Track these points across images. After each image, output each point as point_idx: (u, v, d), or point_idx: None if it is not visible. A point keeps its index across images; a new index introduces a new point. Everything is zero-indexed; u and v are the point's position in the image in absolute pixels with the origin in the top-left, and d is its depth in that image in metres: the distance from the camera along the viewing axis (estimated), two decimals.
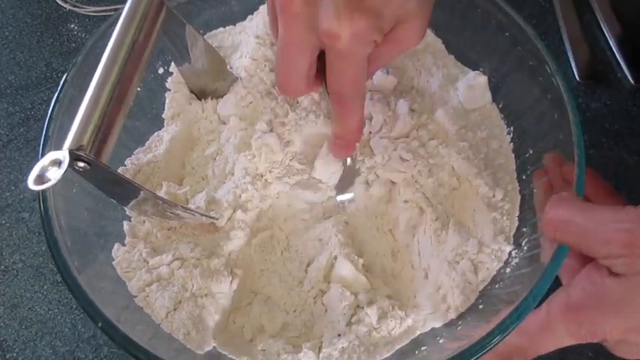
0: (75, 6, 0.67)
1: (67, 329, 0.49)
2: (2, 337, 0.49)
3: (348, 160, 0.45)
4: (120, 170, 0.45)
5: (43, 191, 0.37)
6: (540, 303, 0.35)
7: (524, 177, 0.44)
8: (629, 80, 0.58)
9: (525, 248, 0.40)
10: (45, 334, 0.49)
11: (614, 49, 0.59)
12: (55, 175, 0.31)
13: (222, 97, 0.49)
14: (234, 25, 0.53)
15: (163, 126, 0.49)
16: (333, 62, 0.35)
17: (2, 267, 0.52)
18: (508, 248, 0.41)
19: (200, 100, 0.49)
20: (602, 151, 0.54)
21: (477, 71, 0.49)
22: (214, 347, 0.40)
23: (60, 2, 0.67)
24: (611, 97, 0.57)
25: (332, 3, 0.32)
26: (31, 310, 0.50)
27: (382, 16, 0.33)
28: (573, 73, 0.58)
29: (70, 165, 0.32)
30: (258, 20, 0.50)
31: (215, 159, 0.47)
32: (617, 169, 0.54)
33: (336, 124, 0.40)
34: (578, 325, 0.34)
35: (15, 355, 0.48)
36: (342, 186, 0.45)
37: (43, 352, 0.48)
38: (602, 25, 0.61)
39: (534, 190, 0.42)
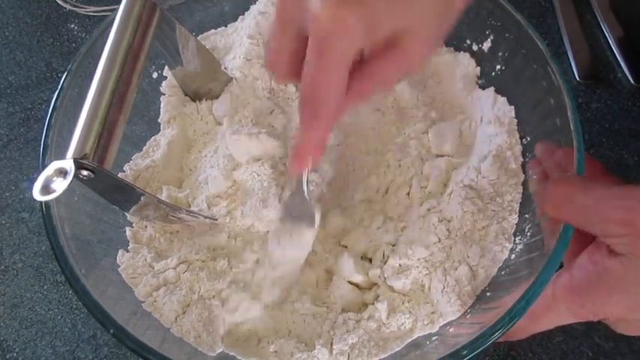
0: (75, 6, 0.67)
1: (67, 329, 0.49)
2: (2, 337, 0.49)
3: (303, 182, 0.39)
4: (119, 176, 0.45)
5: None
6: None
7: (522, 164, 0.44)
8: (629, 80, 0.58)
9: (529, 234, 0.40)
10: (45, 334, 0.49)
11: (614, 49, 0.59)
12: (60, 185, 0.31)
13: (216, 97, 0.49)
14: (226, 26, 0.53)
15: (160, 130, 0.49)
16: (310, 51, 0.30)
17: (2, 267, 0.52)
18: (509, 246, 0.41)
19: (194, 101, 0.49)
20: (602, 151, 0.54)
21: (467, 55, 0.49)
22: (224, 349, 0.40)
23: (60, 2, 0.67)
24: (611, 97, 0.57)
25: None
26: (31, 310, 0.50)
27: (377, 15, 0.28)
28: (573, 73, 0.58)
29: (75, 174, 0.32)
30: (250, 20, 0.50)
31: (212, 159, 0.47)
32: (617, 169, 0.53)
33: (299, 131, 0.35)
34: (580, 306, 0.34)
35: (15, 355, 0.48)
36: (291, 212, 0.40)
37: (43, 352, 0.48)
38: (602, 25, 0.61)
39: (533, 177, 0.42)
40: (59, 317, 0.50)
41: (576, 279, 0.34)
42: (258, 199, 0.43)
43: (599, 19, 0.62)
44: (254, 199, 0.43)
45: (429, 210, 0.43)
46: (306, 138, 0.33)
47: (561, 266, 0.35)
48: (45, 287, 0.51)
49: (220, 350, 0.39)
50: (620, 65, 0.59)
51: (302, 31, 0.31)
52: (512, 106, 0.46)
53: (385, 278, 0.41)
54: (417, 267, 0.40)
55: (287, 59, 0.33)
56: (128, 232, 0.43)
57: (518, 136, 0.45)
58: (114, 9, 0.39)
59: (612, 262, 0.32)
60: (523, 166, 0.44)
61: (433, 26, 0.31)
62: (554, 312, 0.35)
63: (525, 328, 0.37)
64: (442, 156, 0.46)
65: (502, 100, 0.46)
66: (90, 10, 0.66)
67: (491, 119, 0.46)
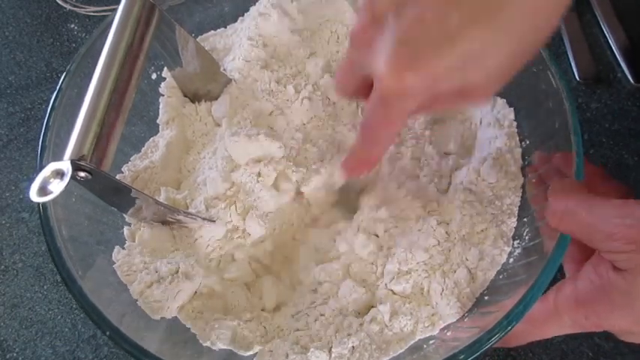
0: (75, 6, 0.67)
1: (67, 329, 0.49)
2: (2, 337, 0.49)
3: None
4: (117, 177, 0.45)
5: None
6: (544, 290, 0.35)
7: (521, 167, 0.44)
8: (629, 80, 0.58)
9: (527, 238, 0.40)
10: (45, 334, 0.49)
11: (614, 49, 0.59)
12: (57, 187, 0.31)
13: (215, 98, 0.48)
14: (226, 27, 0.53)
15: (158, 131, 0.49)
16: (372, 97, 0.32)
17: (2, 267, 0.52)
18: (507, 249, 0.41)
19: (194, 103, 0.49)
20: (602, 151, 0.54)
21: None
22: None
23: (60, 2, 0.67)
24: (611, 97, 0.57)
25: (388, 47, 0.28)
26: (31, 310, 0.50)
27: (438, 82, 0.29)
28: (573, 73, 0.58)
29: (72, 175, 0.32)
30: (250, 22, 0.50)
31: (210, 160, 0.47)
32: (617, 169, 0.53)
33: (354, 146, 0.39)
34: (584, 318, 0.34)
35: (15, 355, 0.48)
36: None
37: (43, 352, 0.48)
38: (602, 25, 0.61)
39: (532, 180, 0.42)
40: (59, 317, 0.50)
41: (580, 290, 0.34)
42: (263, 212, 0.43)
43: (599, 19, 0.61)
44: (260, 212, 0.43)
45: (428, 212, 0.43)
46: (360, 155, 0.37)
47: (560, 271, 0.35)
48: (45, 287, 0.51)
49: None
50: (620, 65, 0.59)
51: (368, 74, 0.32)
52: (512, 108, 0.46)
53: (386, 283, 0.41)
54: (417, 270, 0.40)
55: (352, 89, 0.36)
56: (126, 231, 0.43)
57: (517, 138, 0.45)
58: (114, 9, 0.39)
59: (616, 277, 0.32)
60: (523, 169, 0.44)
61: (501, 78, 0.30)
62: (556, 322, 0.35)
63: (526, 334, 0.37)
64: (448, 154, 0.46)
65: (501, 101, 0.46)
66: (90, 10, 0.67)
67: (491, 121, 0.45)
